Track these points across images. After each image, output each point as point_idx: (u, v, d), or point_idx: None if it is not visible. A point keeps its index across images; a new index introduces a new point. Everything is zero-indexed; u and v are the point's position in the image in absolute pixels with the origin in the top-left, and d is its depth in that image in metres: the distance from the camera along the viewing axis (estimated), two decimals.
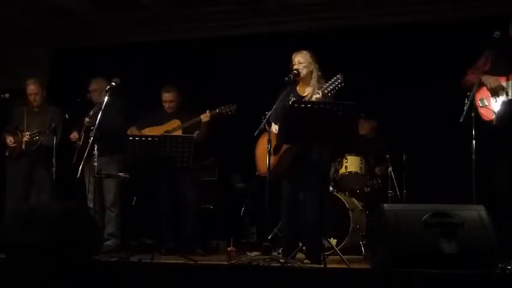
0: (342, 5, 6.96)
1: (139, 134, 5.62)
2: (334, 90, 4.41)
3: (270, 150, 4.43)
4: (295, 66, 4.70)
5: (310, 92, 4.65)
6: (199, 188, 6.03)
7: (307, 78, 4.72)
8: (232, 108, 5.60)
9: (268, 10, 7.16)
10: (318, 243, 4.42)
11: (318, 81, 4.67)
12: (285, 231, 4.85)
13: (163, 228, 5.79)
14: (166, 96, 5.90)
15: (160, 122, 5.81)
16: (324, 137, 4.17)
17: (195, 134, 5.51)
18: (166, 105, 5.90)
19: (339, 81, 4.41)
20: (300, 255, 4.65)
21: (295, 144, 4.51)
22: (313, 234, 4.49)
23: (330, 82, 4.45)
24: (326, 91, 4.42)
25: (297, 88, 4.77)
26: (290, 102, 4.43)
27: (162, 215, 5.82)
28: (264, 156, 4.48)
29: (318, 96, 4.45)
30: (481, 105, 4.35)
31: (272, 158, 4.53)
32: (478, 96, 4.36)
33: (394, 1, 6.78)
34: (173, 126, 5.72)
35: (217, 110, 5.63)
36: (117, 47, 7.72)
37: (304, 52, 4.75)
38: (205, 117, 5.63)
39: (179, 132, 5.62)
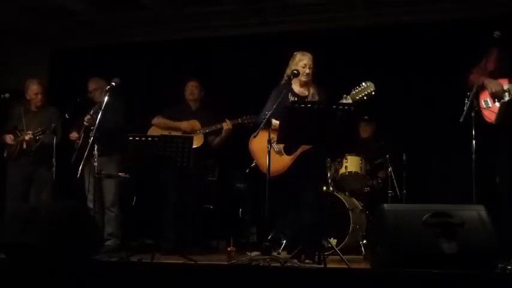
0: (342, 5, 6.96)
1: (165, 121, 5.81)
2: (366, 97, 4.39)
3: (270, 150, 4.42)
4: (306, 70, 4.70)
5: (311, 93, 4.70)
6: (200, 188, 6.03)
7: (309, 80, 4.76)
8: (252, 119, 5.55)
9: (268, 10, 7.16)
10: (317, 243, 4.42)
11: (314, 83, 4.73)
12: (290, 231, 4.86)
13: (163, 228, 5.79)
14: (192, 83, 6.00)
15: (183, 117, 5.85)
16: (324, 138, 4.17)
17: (216, 139, 5.77)
18: (192, 90, 5.96)
19: (372, 89, 4.39)
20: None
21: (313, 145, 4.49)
22: (313, 234, 4.48)
23: (360, 88, 4.42)
24: (357, 97, 4.40)
25: (293, 87, 4.77)
26: (290, 102, 4.42)
27: (163, 215, 5.82)
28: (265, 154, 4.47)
29: (349, 101, 4.41)
30: (484, 106, 4.34)
31: (285, 157, 4.54)
32: (481, 98, 4.35)
33: (394, 1, 6.78)
34: (193, 128, 5.77)
35: (239, 120, 5.70)
36: (117, 47, 7.72)
37: (310, 55, 4.76)
38: (226, 125, 5.68)
39: (200, 137, 5.69)
